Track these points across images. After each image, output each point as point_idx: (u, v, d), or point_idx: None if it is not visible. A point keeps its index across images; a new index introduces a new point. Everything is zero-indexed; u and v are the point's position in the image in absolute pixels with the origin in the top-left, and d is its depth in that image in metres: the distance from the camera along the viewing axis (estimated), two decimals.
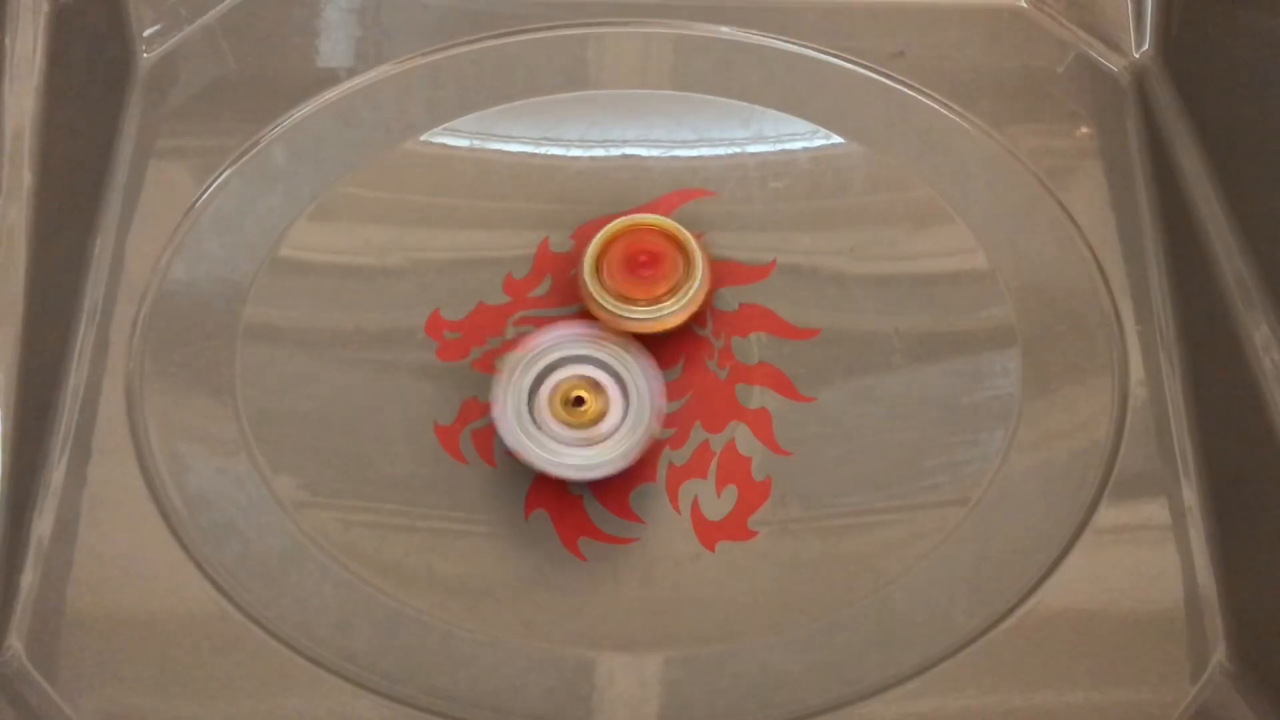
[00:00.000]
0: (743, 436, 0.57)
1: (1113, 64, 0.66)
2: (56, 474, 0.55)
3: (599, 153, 0.63)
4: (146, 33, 0.65)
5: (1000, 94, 0.65)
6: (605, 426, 0.54)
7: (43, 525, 0.54)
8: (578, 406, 0.54)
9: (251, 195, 0.61)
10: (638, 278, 0.57)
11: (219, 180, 0.62)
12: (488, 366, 0.57)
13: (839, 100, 0.65)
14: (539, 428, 0.54)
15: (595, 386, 0.54)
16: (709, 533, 0.55)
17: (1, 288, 0.54)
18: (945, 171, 0.63)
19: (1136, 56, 0.66)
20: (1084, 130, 0.65)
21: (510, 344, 0.57)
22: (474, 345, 0.58)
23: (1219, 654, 0.52)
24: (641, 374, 0.54)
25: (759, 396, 0.57)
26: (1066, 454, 0.56)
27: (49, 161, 0.56)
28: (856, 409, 0.57)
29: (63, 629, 0.52)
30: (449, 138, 0.63)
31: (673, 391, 0.57)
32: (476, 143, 0.63)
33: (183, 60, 0.65)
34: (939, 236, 0.61)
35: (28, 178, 0.56)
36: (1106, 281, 0.60)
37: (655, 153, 0.63)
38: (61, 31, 0.58)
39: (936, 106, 0.65)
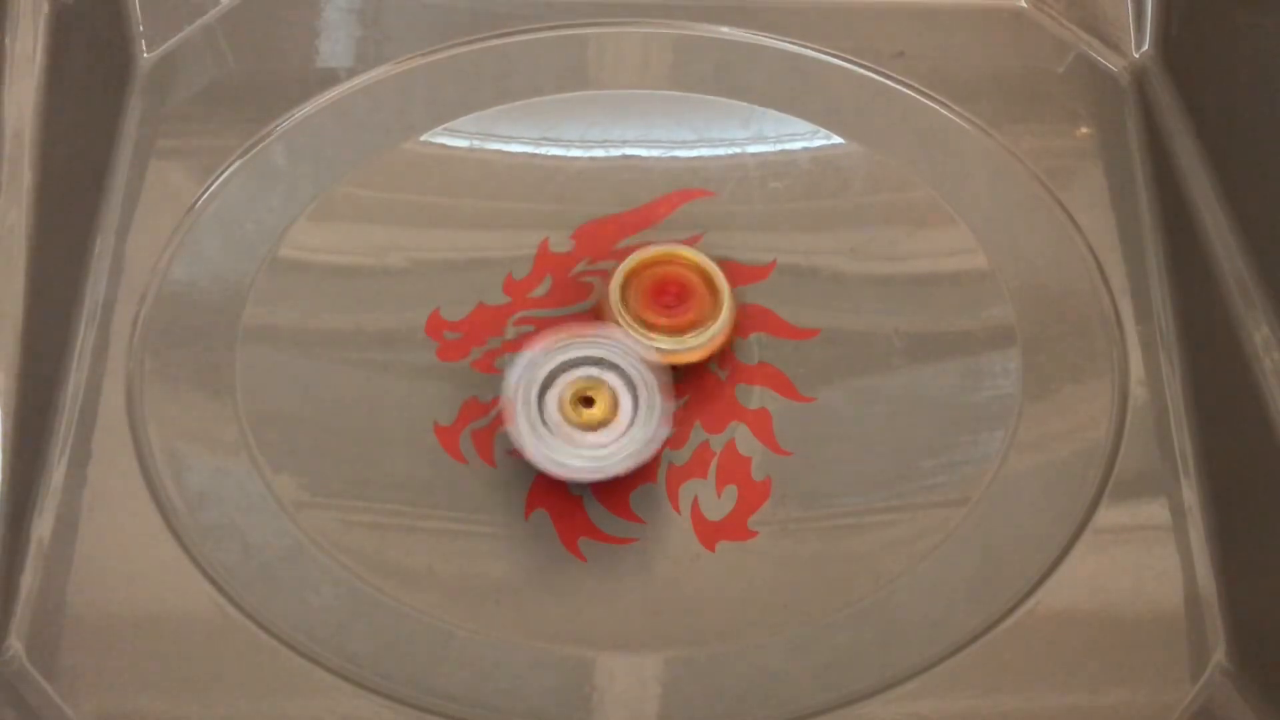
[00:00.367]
0: (743, 436, 0.56)
1: (1113, 64, 0.66)
2: (56, 474, 0.55)
3: (599, 153, 0.63)
4: (146, 33, 0.65)
5: (1000, 94, 0.65)
6: (614, 428, 0.54)
7: (43, 525, 0.54)
8: (587, 407, 0.54)
9: (251, 195, 0.61)
10: (660, 306, 0.56)
11: (219, 180, 0.62)
12: (488, 366, 0.57)
13: (839, 100, 0.65)
14: (548, 427, 0.54)
15: (605, 388, 0.54)
16: (709, 533, 0.55)
17: (1, 288, 0.54)
18: (945, 171, 0.63)
19: (1136, 56, 0.66)
20: (1084, 130, 0.65)
21: (511, 344, 0.57)
22: (474, 345, 0.58)
23: (1219, 654, 0.52)
24: (652, 375, 0.54)
25: (759, 396, 0.57)
26: (1066, 454, 0.56)
27: (49, 162, 0.56)
28: (856, 409, 0.57)
29: (63, 629, 0.52)
30: (449, 138, 0.63)
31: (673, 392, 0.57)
32: (476, 143, 0.63)
33: (183, 60, 0.65)
34: (939, 236, 0.61)
35: (28, 178, 0.56)
36: (1106, 281, 0.60)
37: (655, 153, 0.63)
38: (61, 31, 0.58)
39: (936, 106, 0.65)
